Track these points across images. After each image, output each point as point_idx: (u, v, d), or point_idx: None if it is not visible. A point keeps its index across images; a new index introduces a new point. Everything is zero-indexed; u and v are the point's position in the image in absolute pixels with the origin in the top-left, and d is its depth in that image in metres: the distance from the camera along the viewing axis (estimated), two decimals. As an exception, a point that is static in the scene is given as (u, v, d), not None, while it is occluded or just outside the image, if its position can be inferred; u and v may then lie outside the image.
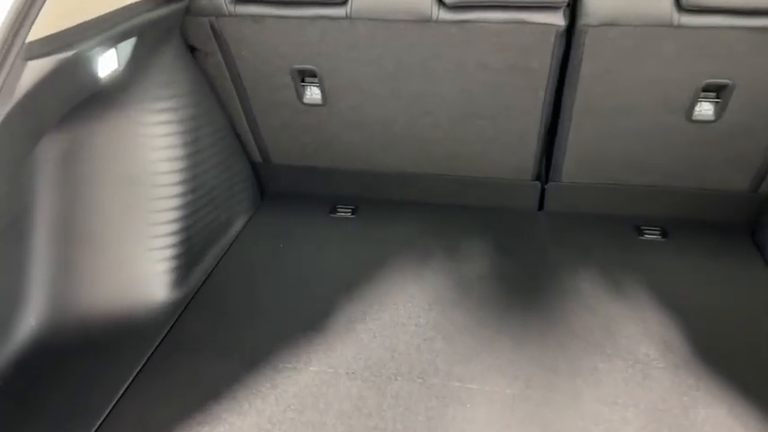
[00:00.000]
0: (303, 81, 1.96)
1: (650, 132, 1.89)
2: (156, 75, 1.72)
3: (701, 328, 1.65)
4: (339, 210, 2.24)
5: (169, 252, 1.78)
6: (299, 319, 1.72)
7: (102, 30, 1.41)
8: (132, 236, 1.74)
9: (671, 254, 1.97)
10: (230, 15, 1.78)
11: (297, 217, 2.21)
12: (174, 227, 1.79)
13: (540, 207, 2.20)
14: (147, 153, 1.75)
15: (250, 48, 1.87)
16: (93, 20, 1.38)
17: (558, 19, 1.66)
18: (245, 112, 2.08)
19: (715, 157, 1.93)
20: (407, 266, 1.92)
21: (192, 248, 1.86)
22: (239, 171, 2.15)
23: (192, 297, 1.81)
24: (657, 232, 2.06)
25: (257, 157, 2.26)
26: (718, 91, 1.76)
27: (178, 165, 1.79)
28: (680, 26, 1.60)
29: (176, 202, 1.79)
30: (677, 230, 2.07)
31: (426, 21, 1.70)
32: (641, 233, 2.06)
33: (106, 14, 1.42)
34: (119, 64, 1.53)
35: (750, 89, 1.72)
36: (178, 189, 1.80)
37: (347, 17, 1.72)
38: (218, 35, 1.85)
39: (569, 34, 1.70)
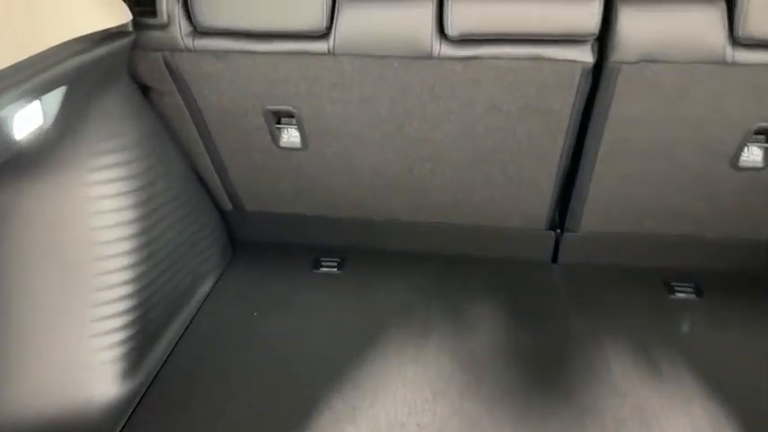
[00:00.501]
0: (279, 123, 1.66)
1: (686, 179, 1.61)
2: (98, 126, 1.42)
3: (760, 419, 1.38)
4: (323, 263, 1.94)
5: (118, 336, 1.48)
6: (276, 416, 1.43)
7: (19, 81, 1.11)
8: (71, 321, 1.43)
9: (709, 317, 1.70)
10: (188, 50, 1.48)
11: (274, 274, 1.91)
12: (125, 305, 1.49)
13: (555, 259, 1.92)
14: (89, 220, 1.44)
15: (214, 87, 1.56)
16: (4, 70, 1.08)
17: (584, 55, 1.37)
18: (210, 156, 1.78)
19: (759, 206, 1.66)
20: (405, 340, 1.63)
21: (147, 327, 1.55)
22: (205, 223, 1.84)
23: (148, 388, 1.51)
24: (691, 289, 1.78)
25: (227, 205, 1.96)
26: None
27: (129, 230, 1.49)
28: (734, 63, 1.32)
29: (127, 275, 1.49)
30: (713, 287, 1.80)
31: (426, 57, 1.41)
32: (672, 290, 1.78)
33: (22, 62, 1.12)
34: (44, 119, 1.23)
35: None
36: (129, 259, 1.49)
37: (330, 53, 1.43)
38: (174, 73, 1.54)
39: (597, 71, 1.41)
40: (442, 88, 1.47)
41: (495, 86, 1.45)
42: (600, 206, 1.73)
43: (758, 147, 1.52)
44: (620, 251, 1.85)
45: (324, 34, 1.41)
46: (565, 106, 1.47)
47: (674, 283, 1.80)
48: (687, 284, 1.80)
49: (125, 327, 1.49)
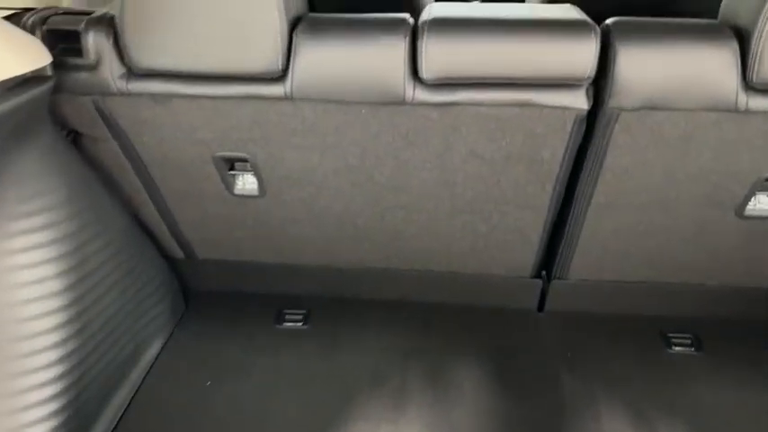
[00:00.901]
0: (232, 169, 1.47)
1: (688, 229, 1.46)
2: (18, 185, 1.21)
3: None
4: (287, 316, 1.75)
5: (47, 426, 1.27)
6: None
7: None
8: (-11, 415, 1.23)
9: (711, 374, 1.55)
10: (121, 94, 1.27)
11: (231, 331, 1.71)
12: (54, 389, 1.28)
13: (541, 307, 1.76)
14: (9, 294, 1.23)
15: (154, 133, 1.36)
16: None
17: (578, 100, 1.21)
18: (155, 205, 1.57)
19: (763, 253, 1.52)
20: (379, 413, 1.45)
21: (82, 411, 1.35)
22: (152, 278, 1.64)
23: None
24: (689, 341, 1.64)
25: (177, 253, 1.75)
26: None
27: (57, 302, 1.28)
28: (747, 111, 1.17)
29: (56, 354, 1.28)
30: (714, 338, 1.65)
31: (398, 103, 1.22)
32: (669, 344, 1.63)
33: None
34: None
35: None
36: (58, 336, 1.28)
37: (287, 97, 1.24)
38: (107, 118, 1.33)
39: (592, 116, 1.25)
40: (416, 135, 1.29)
41: (476, 134, 1.28)
42: (592, 255, 1.57)
43: (767, 195, 1.37)
44: (613, 299, 1.70)
45: (280, 77, 1.22)
46: (555, 154, 1.30)
47: (671, 335, 1.65)
48: (685, 336, 1.65)
49: (55, 414, 1.28)
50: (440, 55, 1.16)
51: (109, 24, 1.24)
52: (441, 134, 1.28)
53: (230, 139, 1.35)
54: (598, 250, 1.56)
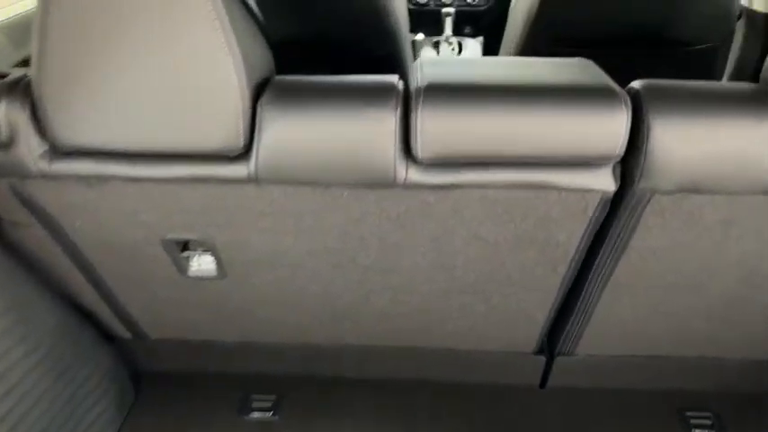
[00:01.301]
0: (186, 249, 1.23)
1: (716, 308, 1.28)
2: None
3: None
4: (254, 403, 1.52)
5: None
6: None
7: None
8: None
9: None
10: (44, 176, 1.02)
11: (187, 423, 1.47)
12: None
13: (543, 384, 1.57)
14: None
15: (88, 217, 1.11)
16: None
17: (603, 181, 1.00)
18: (95, 288, 1.32)
19: None
20: None
21: None
22: (92, 372, 1.38)
23: None
24: (709, 421, 1.47)
25: (124, 333, 1.50)
26: None
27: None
28: None
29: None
30: (737, 418, 1.48)
31: (388, 186, 1.01)
32: (688, 424, 1.46)
33: None
34: None
35: None
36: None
37: (250, 179, 1.00)
38: (28, 203, 1.08)
39: (617, 196, 1.05)
40: (408, 219, 1.08)
41: (481, 218, 1.06)
42: (603, 331, 1.38)
43: (807, 271, 1.20)
44: (624, 374, 1.52)
45: (241, 155, 0.99)
46: (572, 237, 1.10)
47: (689, 413, 1.48)
48: (705, 414, 1.48)
49: None
50: (438, 131, 0.94)
51: (25, 92, 0.98)
52: (438, 218, 1.07)
53: (181, 222, 1.11)
54: (611, 327, 1.37)
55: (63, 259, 1.23)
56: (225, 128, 0.95)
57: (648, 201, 1.02)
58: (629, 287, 1.22)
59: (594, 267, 1.20)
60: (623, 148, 0.96)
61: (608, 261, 1.16)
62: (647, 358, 1.47)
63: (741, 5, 2.16)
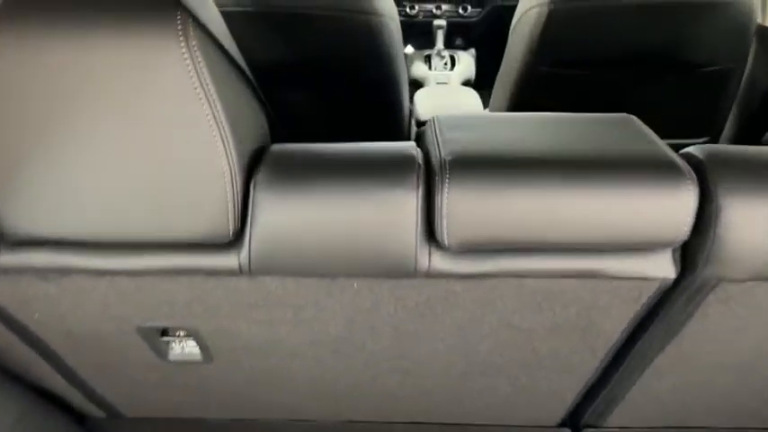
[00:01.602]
0: (166, 335, 1.06)
1: (764, 381, 1.15)
2: None
3: None
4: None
5: None
6: None
7: None
8: None
9: None
10: (-7, 271, 0.85)
11: None
12: None
13: (566, 455, 1.43)
14: None
15: (49, 311, 0.94)
16: None
17: (663, 268, 0.85)
18: (62, 374, 1.14)
19: None
20: None
21: None
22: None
23: None
24: None
25: (97, 412, 1.32)
26: None
27: None
28: None
29: None
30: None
31: (407, 276, 0.85)
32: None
33: None
34: None
35: None
36: None
37: (242, 271, 0.84)
38: None
39: (675, 283, 0.90)
40: (429, 308, 0.92)
41: (515, 307, 0.91)
42: (637, 405, 1.24)
43: None
44: None
45: (230, 242, 0.82)
46: (617, 325, 0.95)
47: (725, 487, 1.35)
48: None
49: None
50: (469, 213, 0.78)
51: None
52: (465, 306, 0.91)
53: (159, 313, 0.94)
54: (646, 402, 1.23)
55: (22, 348, 1.05)
56: (211, 212, 0.78)
57: (713, 289, 0.87)
58: (672, 367, 1.08)
59: (636, 350, 1.05)
60: (687, 232, 0.81)
61: (654, 344, 1.02)
62: (682, 429, 1.33)
63: (757, 23, 2.04)
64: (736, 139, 2.20)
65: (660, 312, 0.95)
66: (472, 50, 2.89)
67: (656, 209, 0.79)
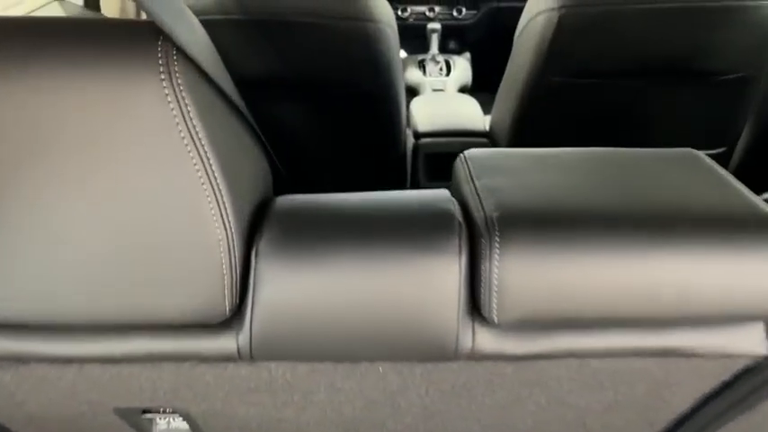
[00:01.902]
0: (149, 411, 0.90)
1: None
2: None
3: None
4: None
5: None
6: None
7: None
8: None
9: None
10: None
11: None
12: None
13: None
14: None
15: (7, 399, 0.78)
16: None
17: (753, 342, 0.72)
18: None
19: None
20: None
21: None
22: None
23: None
24: None
25: None
26: None
27: None
28: None
29: None
30: None
31: (447, 359, 0.70)
32: None
33: None
34: None
35: None
36: None
37: (241, 357, 0.68)
38: None
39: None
40: (467, 389, 0.77)
41: (571, 387, 0.77)
42: None
43: None
44: None
45: (227, 320, 0.66)
46: (685, 402, 0.81)
47: None
48: None
49: None
50: (526, 285, 0.64)
51: None
52: (511, 389, 0.77)
53: (139, 398, 0.78)
54: None
55: None
56: (203, 286, 0.63)
57: None
58: None
59: (695, 422, 0.91)
60: None
61: (715, 423, 0.88)
62: None
63: (778, 30, 1.92)
64: (753, 150, 2.09)
65: (736, 387, 0.81)
66: (467, 54, 2.77)
67: (747, 274, 0.65)
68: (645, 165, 0.77)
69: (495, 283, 0.63)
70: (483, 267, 0.63)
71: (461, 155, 0.81)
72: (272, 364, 0.71)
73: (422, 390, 0.77)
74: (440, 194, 0.71)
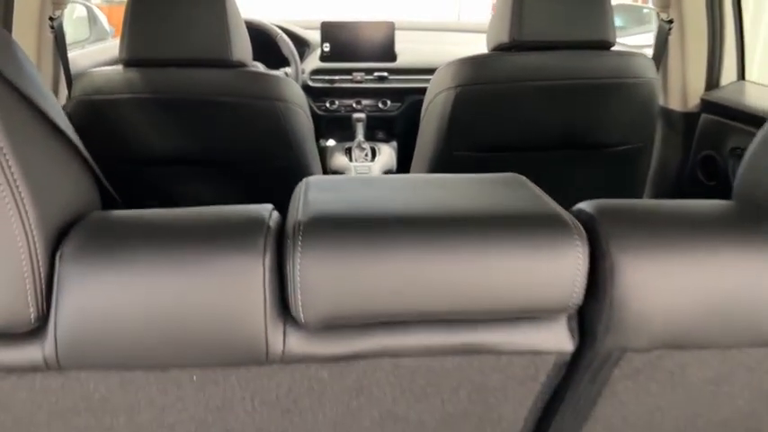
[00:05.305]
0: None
1: None
2: None
3: None
4: None
5: None
6: None
7: None
8: None
9: None
10: None
11: None
12: None
13: None
14: None
15: None
16: None
17: (557, 339, 0.75)
18: None
19: None
20: None
21: None
22: None
23: None
24: None
25: None
26: None
27: None
28: None
29: None
30: None
31: (258, 363, 0.71)
32: None
33: None
34: None
35: None
36: None
37: (48, 366, 0.69)
38: None
39: (577, 355, 0.79)
40: (293, 400, 0.78)
41: (395, 394, 0.78)
42: None
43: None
44: None
45: (34, 330, 0.67)
46: (518, 410, 0.83)
47: None
48: None
49: None
50: (327, 282, 0.67)
51: None
52: (337, 398, 0.78)
53: None
54: None
55: None
56: (6, 293, 0.64)
57: (617, 361, 0.77)
58: None
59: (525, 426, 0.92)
60: (581, 296, 0.71)
61: (542, 422, 0.89)
62: None
63: (659, 105, 2.09)
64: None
65: (565, 395, 0.83)
66: (394, 143, 2.89)
67: (541, 269, 0.69)
68: (466, 184, 0.83)
69: (299, 281, 0.66)
70: (288, 267, 0.66)
71: (304, 179, 0.86)
72: (82, 374, 0.71)
73: (248, 405, 0.77)
74: (263, 206, 0.75)
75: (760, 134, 0.82)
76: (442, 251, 0.67)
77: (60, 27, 1.82)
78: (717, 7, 1.94)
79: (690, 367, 0.78)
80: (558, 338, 0.75)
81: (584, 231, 0.71)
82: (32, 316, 0.65)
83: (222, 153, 1.75)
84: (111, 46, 2.54)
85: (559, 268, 0.69)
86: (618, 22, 3.25)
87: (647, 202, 0.80)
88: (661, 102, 2.05)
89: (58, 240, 0.67)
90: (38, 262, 0.64)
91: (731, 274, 0.71)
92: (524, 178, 0.87)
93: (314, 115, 2.76)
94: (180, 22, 1.56)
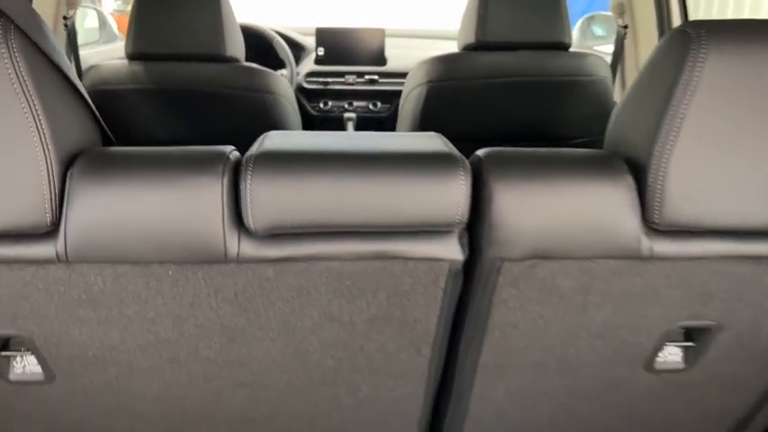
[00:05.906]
0: (6, 348, 1.08)
1: (593, 388, 1.21)
2: None
3: None
4: None
5: None
6: None
7: None
8: None
9: None
10: None
11: None
12: None
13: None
14: None
15: None
16: None
17: (450, 250, 0.95)
18: None
19: (679, 410, 1.30)
20: None
21: None
22: None
23: None
24: None
25: None
26: (692, 334, 1.13)
27: None
28: (651, 257, 0.96)
29: None
30: None
31: (219, 262, 0.92)
32: None
33: None
34: None
35: (736, 331, 1.11)
36: None
37: (59, 260, 0.90)
38: None
39: (470, 268, 1.00)
40: (248, 299, 0.98)
41: (329, 294, 0.99)
42: (485, 423, 1.28)
43: (676, 346, 1.16)
44: None
45: (49, 232, 0.89)
46: (429, 314, 1.03)
47: None
48: None
49: None
50: (270, 199, 0.88)
51: None
52: (282, 296, 0.98)
53: None
54: (491, 417, 1.27)
55: None
56: (28, 201, 0.86)
57: (499, 270, 0.97)
58: (498, 369, 1.15)
59: (460, 349, 1.12)
60: (465, 215, 0.91)
61: (472, 341, 1.09)
62: None
63: (614, 102, 2.29)
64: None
65: (465, 302, 1.03)
66: None
67: (434, 194, 0.90)
68: (394, 136, 1.04)
69: (249, 198, 0.87)
70: (242, 187, 0.88)
71: (267, 132, 1.06)
72: (86, 267, 0.92)
73: (211, 301, 0.97)
74: (226, 146, 0.97)
75: (623, 98, 1.02)
76: (360, 176, 0.88)
77: (73, 26, 2.06)
78: (665, 10, 2.14)
79: (558, 276, 0.97)
80: (451, 249, 0.95)
81: (469, 166, 0.92)
82: (48, 220, 0.86)
83: (215, 140, 1.96)
84: (119, 47, 2.77)
85: (447, 193, 0.90)
86: (599, 31, 3.41)
87: (533, 150, 1.00)
88: (616, 98, 2.25)
89: (68, 163, 0.89)
90: (54, 178, 0.86)
91: (583, 201, 0.92)
92: (441, 135, 1.07)
93: (308, 115, 2.97)
94: (179, 20, 1.78)
